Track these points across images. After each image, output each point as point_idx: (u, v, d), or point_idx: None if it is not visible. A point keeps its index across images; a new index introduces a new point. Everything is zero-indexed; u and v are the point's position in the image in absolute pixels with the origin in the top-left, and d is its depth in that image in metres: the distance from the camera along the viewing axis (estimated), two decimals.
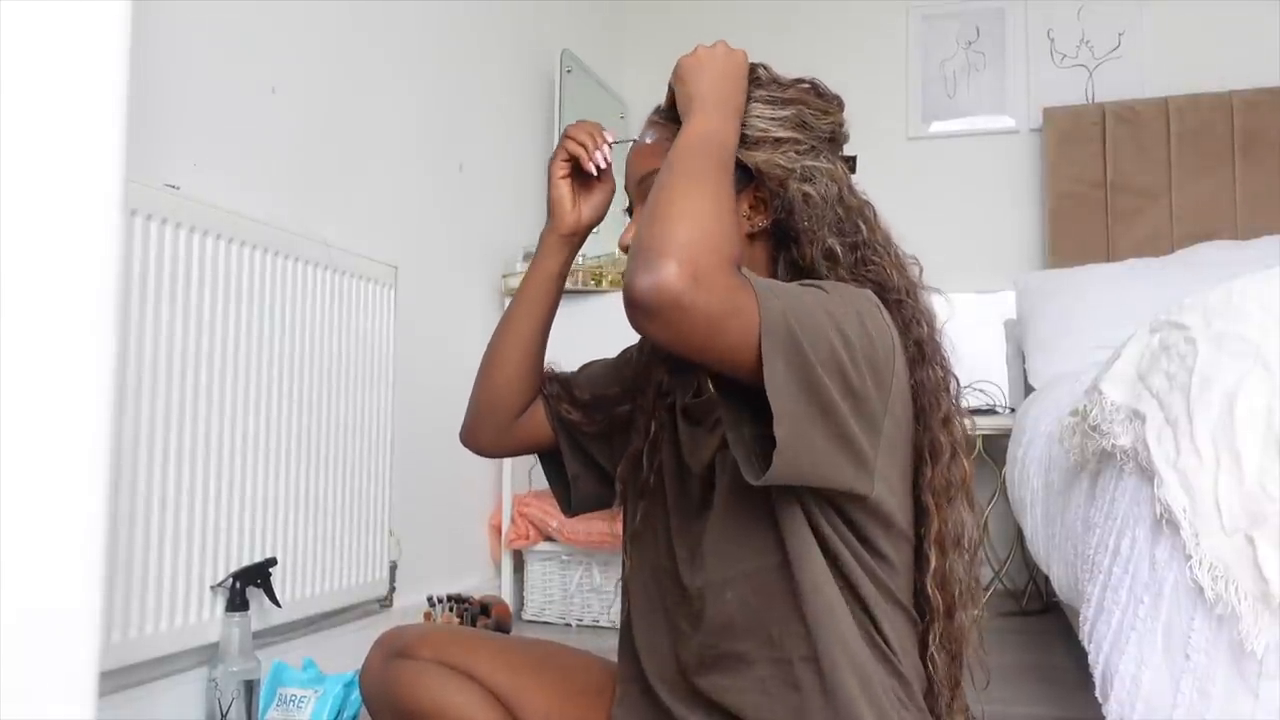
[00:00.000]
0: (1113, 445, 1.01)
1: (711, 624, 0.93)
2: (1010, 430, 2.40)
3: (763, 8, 3.53)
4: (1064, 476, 1.43)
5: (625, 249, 0.97)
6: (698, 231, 0.77)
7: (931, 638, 0.96)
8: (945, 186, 3.32)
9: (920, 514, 0.94)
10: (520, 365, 1.12)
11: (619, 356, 1.18)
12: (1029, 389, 2.79)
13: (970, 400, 3.02)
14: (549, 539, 2.56)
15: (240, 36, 1.73)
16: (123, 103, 0.47)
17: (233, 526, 1.58)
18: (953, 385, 0.96)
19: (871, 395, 0.83)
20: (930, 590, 0.94)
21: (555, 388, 1.15)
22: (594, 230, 1.11)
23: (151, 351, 1.42)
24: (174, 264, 1.47)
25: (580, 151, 1.04)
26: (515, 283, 2.58)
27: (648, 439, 1.06)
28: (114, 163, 0.46)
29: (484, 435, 1.14)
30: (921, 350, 0.94)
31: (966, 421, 0.97)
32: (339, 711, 1.60)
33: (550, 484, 1.19)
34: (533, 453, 1.17)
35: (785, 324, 0.78)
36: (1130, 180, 3.07)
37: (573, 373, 1.18)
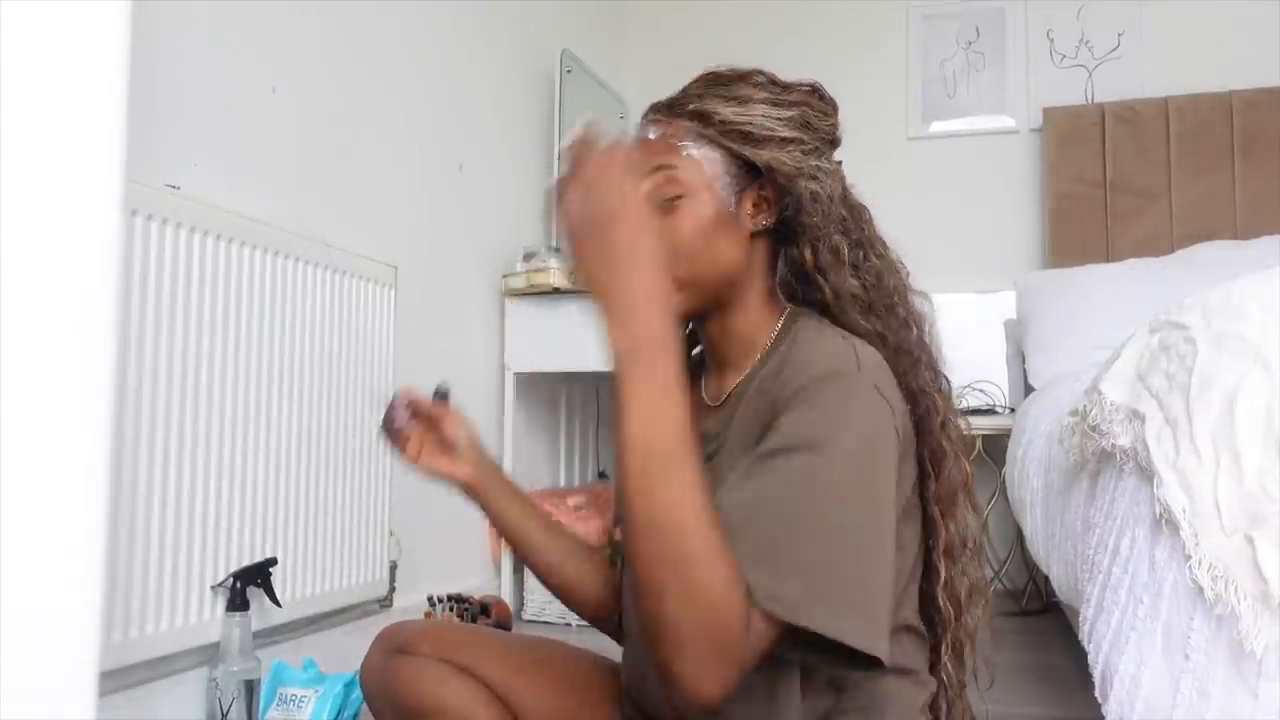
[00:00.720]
0: (1112, 445, 1.01)
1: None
2: (1010, 430, 2.40)
3: (762, 8, 3.53)
4: (1064, 476, 1.43)
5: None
6: (693, 606, 0.67)
7: (944, 648, 0.95)
8: (945, 186, 3.32)
9: (928, 525, 0.93)
10: (578, 575, 1.11)
11: None
12: (1029, 389, 2.79)
13: (970, 400, 3.03)
14: None
15: (240, 36, 1.73)
16: (123, 103, 0.47)
17: (233, 526, 1.58)
18: (944, 386, 0.96)
19: (894, 513, 0.81)
20: (941, 601, 0.93)
21: (613, 552, 1.14)
22: (496, 464, 1.12)
23: (151, 351, 1.42)
24: (174, 264, 1.47)
25: (392, 429, 1.07)
26: (516, 283, 2.58)
27: None
28: (114, 163, 0.46)
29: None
30: (913, 355, 0.93)
31: (961, 422, 0.96)
32: (339, 711, 1.60)
33: None
34: None
35: (816, 601, 0.72)
36: (1130, 180, 3.07)
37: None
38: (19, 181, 0.42)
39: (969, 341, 3.24)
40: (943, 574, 0.93)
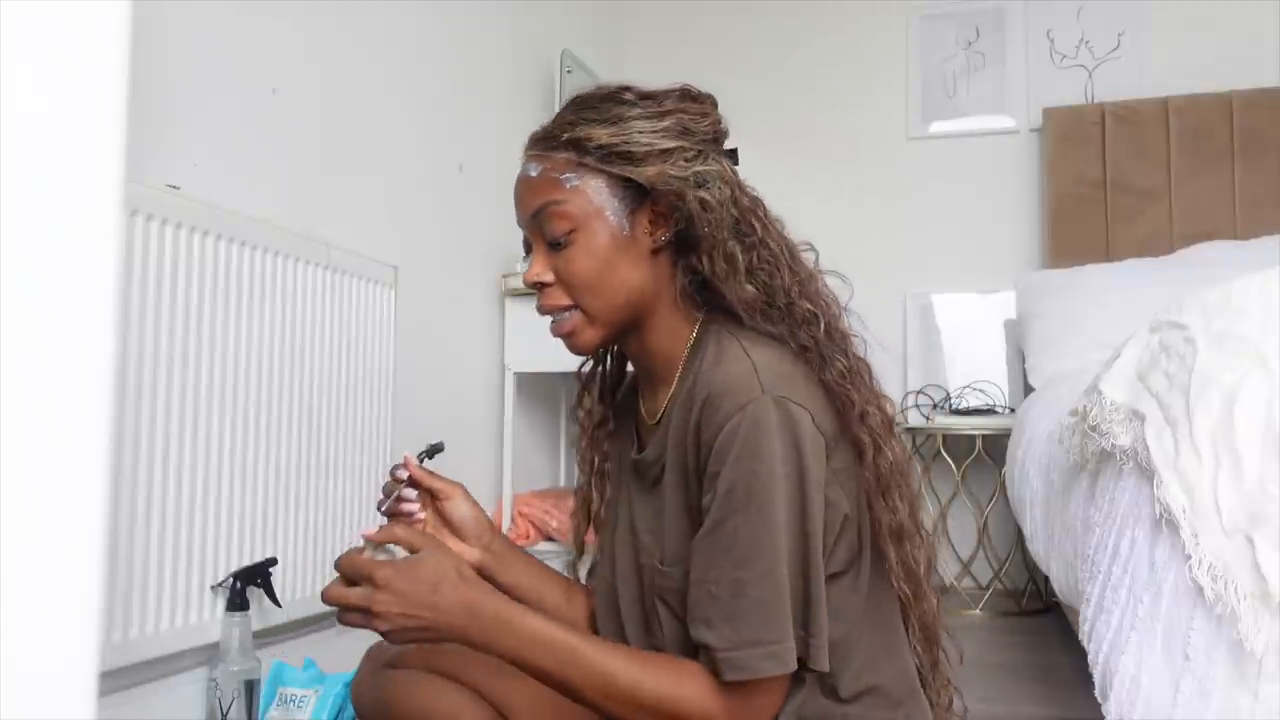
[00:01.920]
0: (1112, 445, 1.01)
1: None
2: (1010, 430, 2.40)
3: (762, 8, 3.53)
4: (1064, 476, 1.43)
5: (530, 285, 0.97)
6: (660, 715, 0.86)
7: (910, 630, 0.97)
8: (945, 186, 3.32)
9: (871, 510, 0.94)
10: (560, 609, 1.10)
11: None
12: (1029, 389, 2.79)
13: (970, 400, 3.03)
14: (549, 539, 2.56)
15: (240, 36, 1.73)
16: (123, 103, 0.47)
17: (233, 526, 1.58)
18: (863, 370, 0.94)
19: (820, 528, 0.88)
20: (896, 584, 0.94)
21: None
22: (489, 537, 1.06)
23: (152, 351, 1.42)
24: (174, 264, 1.47)
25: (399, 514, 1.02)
26: (515, 283, 2.58)
27: (593, 471, 1.07)
28: (114, 163, 0.46)
29: None
30: (819, 352, 0.92)
31: (887, 405, 0.95)
32: (339, 711, 1.60)
33: None
34: None
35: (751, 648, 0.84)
36: (1130, 180, 3.07)
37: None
38: (19, 181, 0.42)
39: (969, 341, 3.24)
40: (890, 556, 0.93)
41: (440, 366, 2.36)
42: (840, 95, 3.42)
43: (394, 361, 2.04)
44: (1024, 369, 2.88)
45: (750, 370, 0.87)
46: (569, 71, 2.84)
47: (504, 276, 2.62)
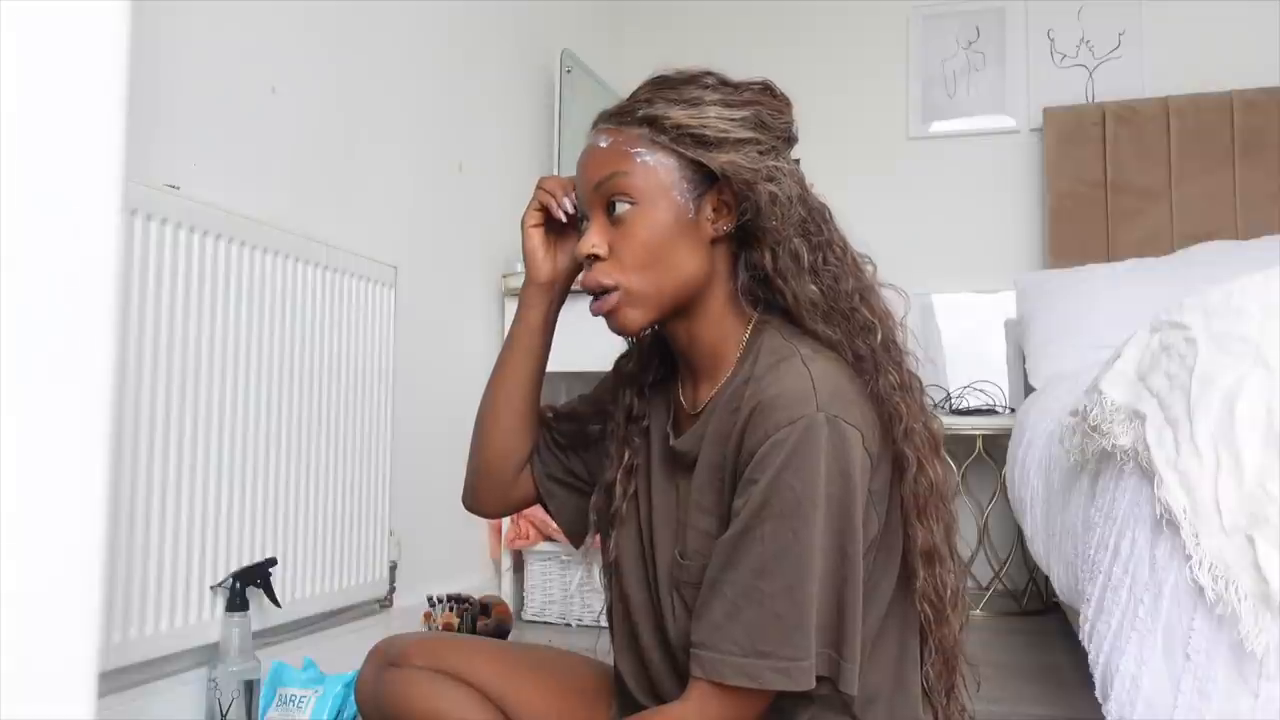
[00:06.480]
0: (1113, 445, 1.01)
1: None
2: (1010, 430, 2.40)
3: (762, 8, 3.53)
4: (1064, 476, 1.43)
5: (583, 257, 0.95)
6: None
7: (927, 651, 0.96)
8: (945, 186, 3.31)
9: (905, 528, 0.93)
10: (515, 421, 1.08)
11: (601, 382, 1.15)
12: (1029, 389, 2.79)
13: (970, 400, 3.03)
14: (549, 539, 2.56)
15: (240, 36, 1.73)
16: (123, 103, 0.47)
17: (233, 526, 1.58)
18: (913, 385, 0.93)
19: (860, 547, 0.87)
20: (920, 604, 0.93)
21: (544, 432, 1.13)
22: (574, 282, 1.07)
23: (151, 351, 1.42)
24: (174, 264, 1.47)
25: (550, 200, 1.02)
26: (515, 283, 2.58)
27: (620, 467, 1.04)
28: (114, 163, 0.46)
29: (487, 496, 1.11)
30: (874, 361, 0.91)
31: (934, 424, 0.94)
32: (339, 711, 1.60)
33: (558, 524, 1.15)
34: (534, 504, 1.14)
35: (829, 656, 0.85)
36: (1130, 180, 3.07)
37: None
38: (19, 181, 0.42)
39: (969, 341, 3.24)
40: (920, 575, 0.92)
41: (440, 366, 2.36)
42: (840, 95, 3.41)
43: (394, 361, 2.04)
44: (1024, 369, 2.88)
45: (809, 385, 0.85)
46: (569, 71, 2.84)
47: (504, 276, 2.62)
